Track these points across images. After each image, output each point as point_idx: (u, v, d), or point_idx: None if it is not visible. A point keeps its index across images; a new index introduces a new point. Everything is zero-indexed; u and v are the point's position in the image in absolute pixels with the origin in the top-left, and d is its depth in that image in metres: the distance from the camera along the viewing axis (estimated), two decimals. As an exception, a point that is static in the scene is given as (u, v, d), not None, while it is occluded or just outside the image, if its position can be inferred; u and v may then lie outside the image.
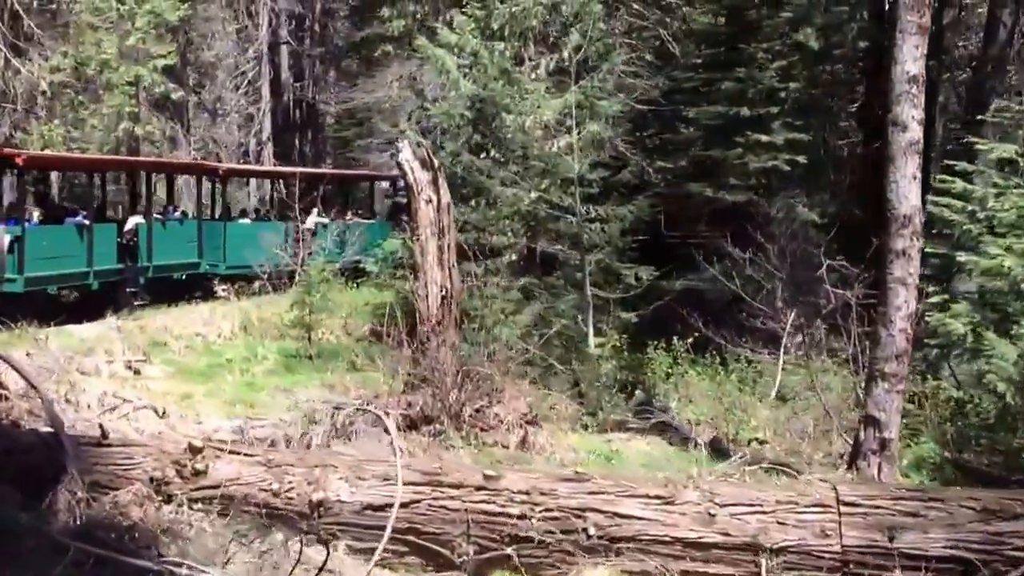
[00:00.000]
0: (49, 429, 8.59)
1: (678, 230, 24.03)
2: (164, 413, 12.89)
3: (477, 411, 14.95)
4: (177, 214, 27.83)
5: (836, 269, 17.82)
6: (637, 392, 17.28)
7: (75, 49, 27.44)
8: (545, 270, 22.34)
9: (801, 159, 23.70)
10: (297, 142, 51.51)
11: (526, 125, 22.25)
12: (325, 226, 28.30)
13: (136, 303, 24.75)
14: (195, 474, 8.03)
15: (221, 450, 8.22)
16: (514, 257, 21.99)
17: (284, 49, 48.05)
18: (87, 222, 23.96)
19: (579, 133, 22.05)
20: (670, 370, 17.92)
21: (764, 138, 23.32)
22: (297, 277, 24.97)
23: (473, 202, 22.24)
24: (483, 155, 22.08)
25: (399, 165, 16.19)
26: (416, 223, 16.18)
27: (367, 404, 14.40)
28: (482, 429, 14.69)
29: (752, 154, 23.50)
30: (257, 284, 26.62)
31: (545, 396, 16.95)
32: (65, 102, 28.18)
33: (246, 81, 46.03)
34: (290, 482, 8.07)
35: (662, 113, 25.10)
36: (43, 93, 27.68)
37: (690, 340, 18.65)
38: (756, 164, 23.40)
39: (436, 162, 16.27)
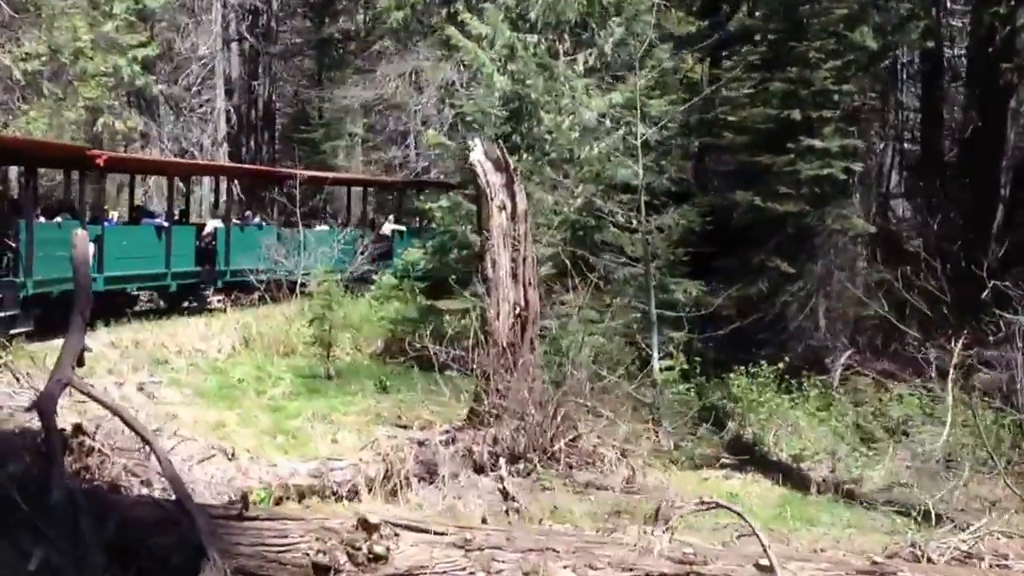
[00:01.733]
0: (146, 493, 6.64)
1: (722, 242, 22.26)
2: (234, 455, 10.83)
3: (568, 445, 13.09)
4: (256, 220, 27.15)
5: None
6: (729, 424, 15.46)
7: (49, 36, 25.06)
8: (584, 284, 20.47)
9: (857, 167, 22.09)
10: (253, 143, 49.10)
11: (564, 125, 20.40)
12: (402, 233, 27.47)
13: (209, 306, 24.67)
14: (373, 559, 6.09)
15: (401, 526, 6.25)
16: (553, 270, 20.12)
17: (235, 47, 45.55)
18: (166, 224, 24.24)
19: (626, 134, 20.29)
20: (759, 398, 16.10)
21: (818, 144, 21.62)
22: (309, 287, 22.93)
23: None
24: (517, 157, 20.21)
25: (470, 166, 14.28)
26: (488, 232, 14.27)
27: (450, 438, 12.45)
28: (575, 466, 12.84)
29: (803, 161, 21.80)
30: (256, 295, 24.48)
31: (617, 427, 15.04)
32: (42, 92, 25.74)
33: (199, 79, 43.64)
34: (500, 571, 6.14)
35: (706, 116, 23.34)
36: (18, 82, 25.26)
37: (780, 365, 16.88)
38: (809, 171, 21.70)
39: (511, 163, 14.36)
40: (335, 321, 19.89)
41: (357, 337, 22.95)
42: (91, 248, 7.43)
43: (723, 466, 14.18)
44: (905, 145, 28.29)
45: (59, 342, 19.73)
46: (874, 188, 24.30)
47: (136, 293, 23.28)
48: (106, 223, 23.03)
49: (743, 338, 20.03)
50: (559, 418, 12.92)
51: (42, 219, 21.08)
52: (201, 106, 43.84)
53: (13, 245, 19.18)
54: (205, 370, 19.95)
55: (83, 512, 6.53)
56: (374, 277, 25.29)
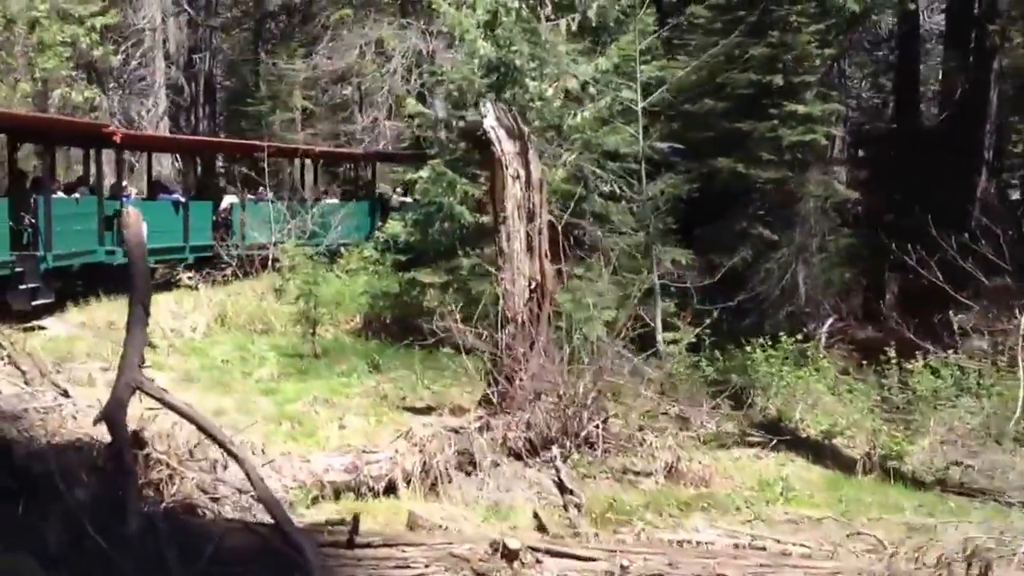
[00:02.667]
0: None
1: (703, 210, 21.85)
2: (263, 453, 10.20)
3: (599, 428, 12.60)
4: (269, 195, 26.59)
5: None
6: (754, 399, 15.03)
7: (3, 5, 23.81)
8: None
9: (838, 132, 21.80)
10: (193, 117, 47.65)
11: (547, 92, 19.82)
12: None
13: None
14: (517, 590, 5.55)
15: (542, 551, 5.71)
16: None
17: (174, 20, 43.95)
18: (183, 199, 24.63)
19: (613, 100, 19.78)
20: (778, 371, 15.68)
21: (801, 109, 21.27)
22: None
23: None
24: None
25: (483, 133, 13.64)
26: (501, 203, 13.69)
27: (483, 424, 11.90)
28: (611, 451, 12.36)
29: (786, 127, 21.45)
30: (228, 271, 23.64)
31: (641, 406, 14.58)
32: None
33: (139, 52, 42.13)
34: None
35: (685, 81, 22.85)
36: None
37: (799, 336, 16.46)
38: (792, 137, 21.36)
39: (525, 130, 13.77)
40: (321, 298, 19.13)
41: (335, 313, 22.27)
42: (144, 226, 6.73)
43: (750, 444, 13.78)
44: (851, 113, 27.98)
45: (55, 325, 19.41)
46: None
47: (154, 266, 22.76)
48: (124, 198, 23.08)
49: (727, 308, 19.67)
50: (590, 399, 12.38)
51: (61, 194, 21.45)
52: (143, 79, 42.40)
53: (33, 220, 19.67)
54: (184, 351, 19.18)
55: (166, 542, 5.90)
56: (343, 251, 24.62)
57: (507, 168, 13.61)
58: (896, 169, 23.51)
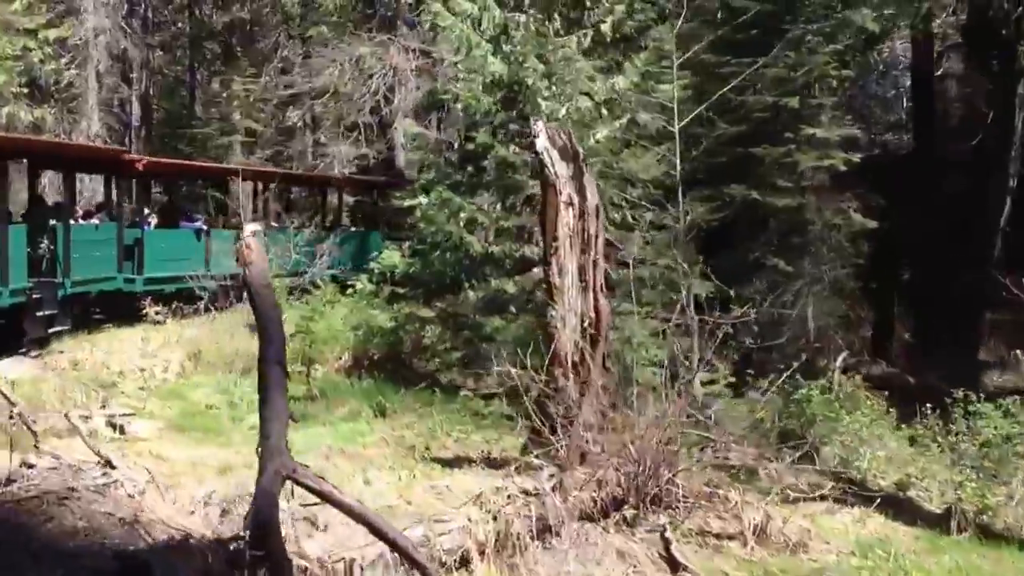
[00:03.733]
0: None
1: (716, 239, 20.56)
2: (325, 529, 8.51)
3: (674, 485, 11.10)
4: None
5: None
6: (818, 446, 13.55)
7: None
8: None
9: (856, 158, 20.68)
10: (128, 139, 45.43)
11: (561, 113, 18.41)
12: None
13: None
14: None
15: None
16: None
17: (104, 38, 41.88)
18: (205, 227, 24.32)
19: (627, 121, 18.47)
20: (836, 414, 14.22)
21: (819, 132, 20.10)
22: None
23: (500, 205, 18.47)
24: (512, 149, 18.20)
25: (537, 155, 12.17)
26: (552, 231, 12.21)
27: (556, 483, 10.32)
28: (686, 509, 10.85)
29: (801, 152, 20.28)
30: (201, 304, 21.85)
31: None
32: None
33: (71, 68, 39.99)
34: None
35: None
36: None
37: (857, 374, 14.94)
38: (808, 163, 20.19)
39: (580, 151, 12.31)
40: (319, 335, 17.46)
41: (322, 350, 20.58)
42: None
43: (821, 498, 12.34)
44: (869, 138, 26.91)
45: (13, 367, 17.45)
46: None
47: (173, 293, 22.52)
48: (145, 226, 23.17)
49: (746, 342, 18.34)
50: (663, 451, 10.88)
51: (81, 221, 21.51)
52: (75, 98, 40.26)
53: (52, 247, 19.50)
54: (160, 394, 17.39)
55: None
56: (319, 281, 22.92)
57: (560, 194, 12.16)
58: (914, 197, 22.45)
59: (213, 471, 12.39)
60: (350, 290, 23.57)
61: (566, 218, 12.21)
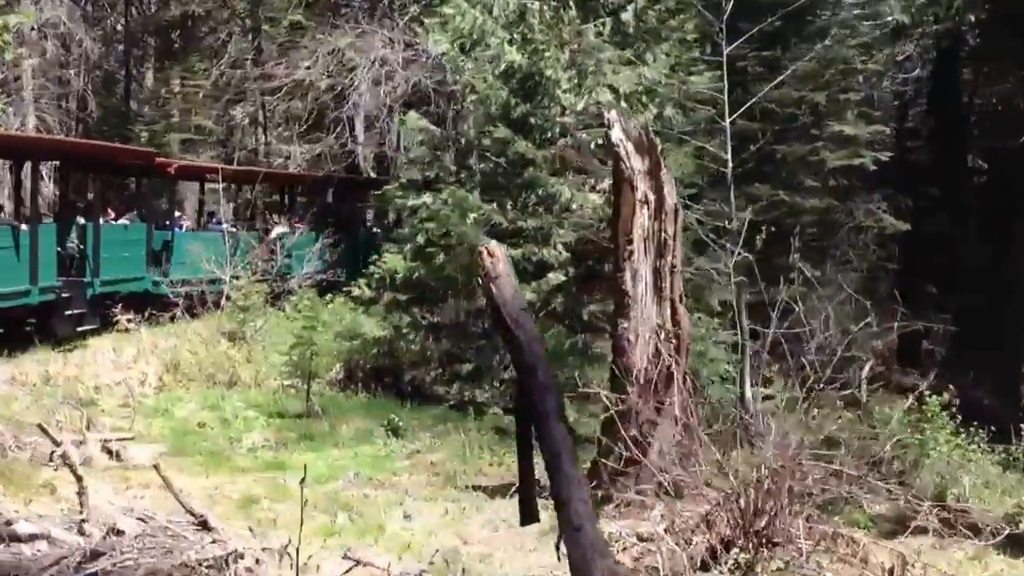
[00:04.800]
0: None
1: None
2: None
3: (772, 522, 9.69)
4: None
5: None
6: (912, 473, 12.24)
7: None
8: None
9: (885, 156, 19.54)
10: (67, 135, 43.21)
11: (579, 106, 17.04)
12: None
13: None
14: None
15: None
16: (565, 277, 16.74)
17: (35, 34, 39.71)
18: (233, 229, 24.16)
19: (656, 116, 17.13)
20: (930, 439, 12.87)
21: (847, 129, 18.91)
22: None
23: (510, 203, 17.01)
24: (534, 143, 16.76)
25: (609, 144, 10.74)
26: (626, 233, 10.78)
27: (663, 527, 8.86)
28: (799, 553, 9.45)
29: (828, 150, 19.08)
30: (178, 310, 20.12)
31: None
32: None
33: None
34: None
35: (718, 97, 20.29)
36: None
37: (945, 395, 13.52)
38: (836, 161, 19.00)
39: (657, 144, 10.89)
40: (321, 346, 15.84)
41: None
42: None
43: (921, 530, 11.02)
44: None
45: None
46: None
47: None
48: (177, 228, 23.31)
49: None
50: (775, 487, 9.47)
51: (111, 222, 21.56)
52: (10, 94, 38.05)
53: (82, 247, 19.72)
54: (143, 410, 15.57)
55: None
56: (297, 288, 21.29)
57: (635, 190, 10.73)
58: (944, 200, 21.39)
59: (235, 505, 10.77)
60: (330, 295, 22.03)
61: (640, 218, 10.80)
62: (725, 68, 14.92)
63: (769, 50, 19.49)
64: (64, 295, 18.56)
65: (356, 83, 23.92)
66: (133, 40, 43.97)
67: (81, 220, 20.14)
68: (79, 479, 7.24)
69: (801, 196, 19.11)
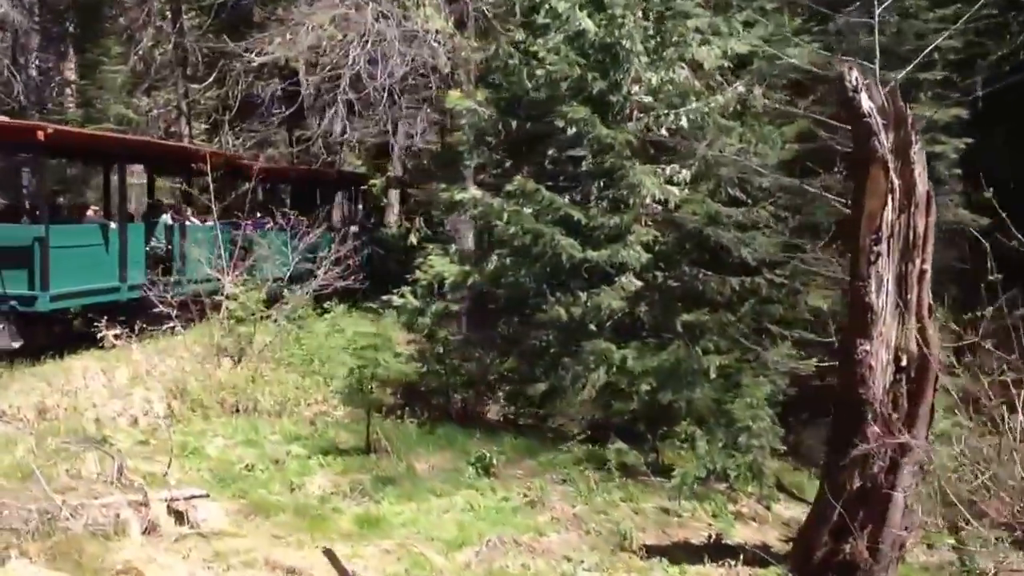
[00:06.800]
0: None
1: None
2: None
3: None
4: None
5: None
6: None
7: None
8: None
9: (961, 143, 17.73)
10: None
11: (653, 83, 14.83)
12: None
13: None
14: None
15: None
16: (636, 285, 14.48)
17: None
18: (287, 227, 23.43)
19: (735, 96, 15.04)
20: None
21: (926, 113, 16.97)
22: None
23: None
24: (611, 127, 14.46)
25: (853, 114, 8.50)
26: (872, 229, 8.59)
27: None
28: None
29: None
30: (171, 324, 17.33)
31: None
32: None
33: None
34: None
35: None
36: None
37: None
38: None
39: (909, 117, 8.69)
40: (384, 368, 13.31)
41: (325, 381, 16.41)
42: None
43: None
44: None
45: None
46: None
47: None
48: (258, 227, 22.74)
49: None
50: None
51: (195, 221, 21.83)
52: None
53: (169, 246, 20.54)
54: (166, 449, 12.82)
55: None
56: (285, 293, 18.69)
57: (885, 175, 8.53)
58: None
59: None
60: (327, 303, 19.49)
61: (882, 207, 8.62)
62: (876, 26, 12.53)
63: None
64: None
65: (351, 62, 21.20)
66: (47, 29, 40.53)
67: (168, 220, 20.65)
68: None
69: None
